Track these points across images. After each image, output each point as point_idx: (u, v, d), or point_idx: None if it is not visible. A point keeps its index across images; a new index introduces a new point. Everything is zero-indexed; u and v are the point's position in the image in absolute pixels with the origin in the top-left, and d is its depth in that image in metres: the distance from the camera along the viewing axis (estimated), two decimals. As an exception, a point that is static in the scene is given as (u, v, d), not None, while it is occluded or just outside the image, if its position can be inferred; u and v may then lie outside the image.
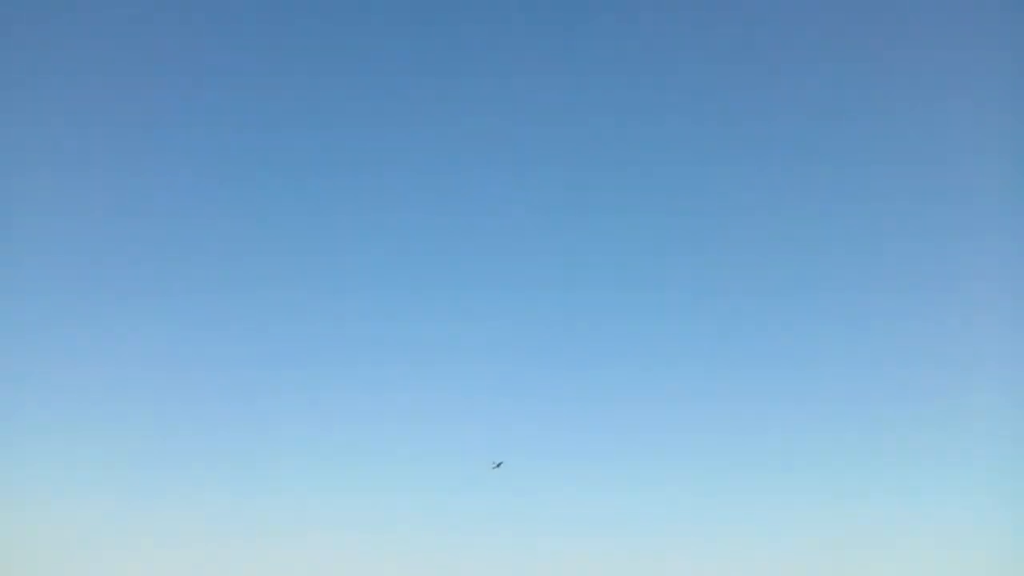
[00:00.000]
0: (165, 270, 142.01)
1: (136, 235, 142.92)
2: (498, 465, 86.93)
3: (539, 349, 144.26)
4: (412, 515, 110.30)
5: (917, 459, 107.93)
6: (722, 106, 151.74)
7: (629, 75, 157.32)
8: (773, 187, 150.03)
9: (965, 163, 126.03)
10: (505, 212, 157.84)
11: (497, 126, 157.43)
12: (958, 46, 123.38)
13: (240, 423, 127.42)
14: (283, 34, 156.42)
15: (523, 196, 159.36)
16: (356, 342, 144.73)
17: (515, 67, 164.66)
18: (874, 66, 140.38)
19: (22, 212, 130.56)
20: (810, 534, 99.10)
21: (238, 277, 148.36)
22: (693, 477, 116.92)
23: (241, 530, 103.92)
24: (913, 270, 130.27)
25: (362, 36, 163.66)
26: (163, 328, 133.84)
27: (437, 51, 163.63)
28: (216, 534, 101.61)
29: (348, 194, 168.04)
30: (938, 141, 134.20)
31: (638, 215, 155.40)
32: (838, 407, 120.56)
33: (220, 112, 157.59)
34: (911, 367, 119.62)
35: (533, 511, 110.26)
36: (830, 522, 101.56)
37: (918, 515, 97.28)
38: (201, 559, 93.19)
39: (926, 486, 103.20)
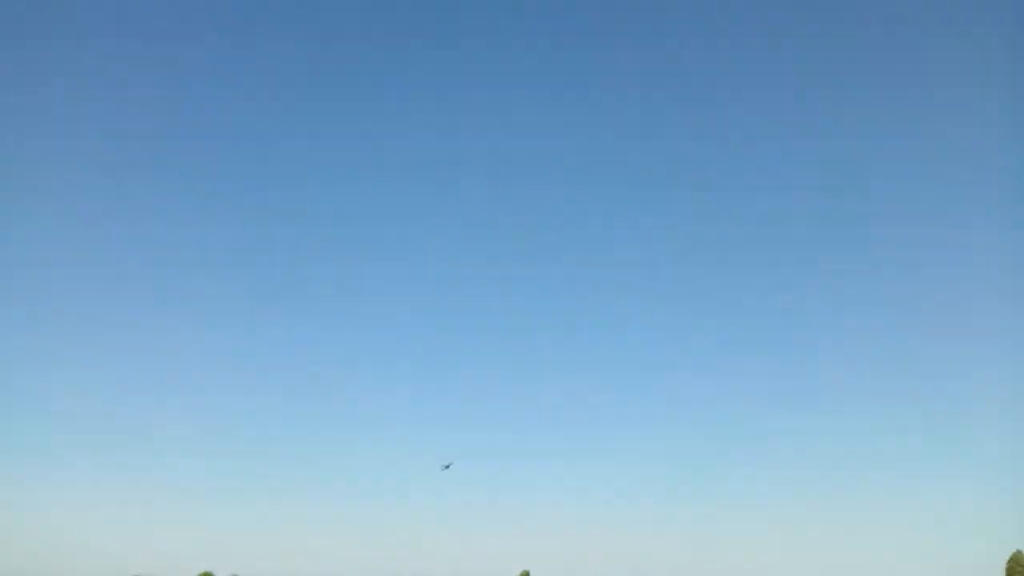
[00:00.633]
0: (165, 269, 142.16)
1: (136, 235, 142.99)
2: (447, 467, 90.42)
3: (539, 348, 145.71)
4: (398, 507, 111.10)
5: (914, 450, 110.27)
6: (722, 106, 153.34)
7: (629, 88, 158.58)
8: (773, 186, 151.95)
9: (966, 162, 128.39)
10: (504, 214, 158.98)
11: (497, 135, 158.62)
12: (958, 43, 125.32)
13: (233, 422, 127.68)
14: (291, 44, 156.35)
15: (520, 198, 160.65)
16: (347, 346, 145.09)
17: (513, 80, 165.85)
18: (875, 65, 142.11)
19: (22, 212, 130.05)
20: (809, 528, 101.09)
21: (236, 276, 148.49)
22: (692, 474, 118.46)
23: (238, 525, 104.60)
24: (913, 269, 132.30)
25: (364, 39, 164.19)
26: (163, 327, 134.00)
27: (441, 63, 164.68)
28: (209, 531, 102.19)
29: (346, 198, 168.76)
30: (939, 141, 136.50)
31: (639, 218, 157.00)
32: (837, 403, 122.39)
33: (222, 115, 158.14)
34: (911, 365, 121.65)
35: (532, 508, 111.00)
36: (828, 518, 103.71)
37: (914, 505, 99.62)
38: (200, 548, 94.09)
39: (924, 476, 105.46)
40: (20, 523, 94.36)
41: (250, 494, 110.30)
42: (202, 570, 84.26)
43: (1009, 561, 76.29)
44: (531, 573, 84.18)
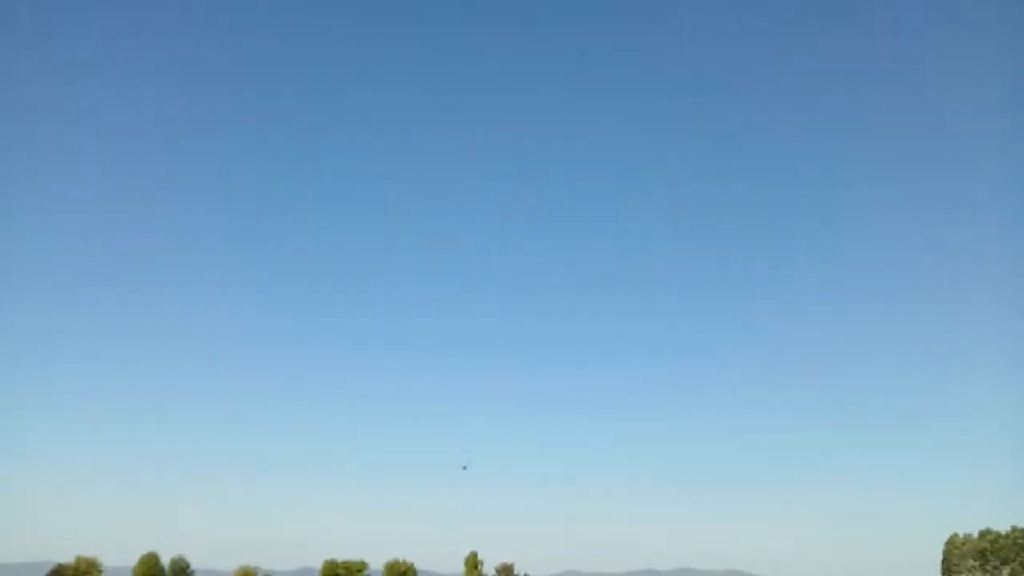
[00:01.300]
0: (167, 267, 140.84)
1: (136, 234, 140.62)
2: (465, 467, 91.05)
3: (539, 349, 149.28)
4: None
5: (911, 442, 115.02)
6: (722, 105, 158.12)
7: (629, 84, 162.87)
8: (772, 186, 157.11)
9: (966, 162, 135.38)
10: (505, 216, 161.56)
11: (501, 137, 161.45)
12: (958, 43, 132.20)
13: (235, 418, 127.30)
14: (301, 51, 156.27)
15: (521, 201, 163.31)
16: (350, 340, 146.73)
17: (520, 82, 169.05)
18: (874, 66, 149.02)
19: (22, 212, 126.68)
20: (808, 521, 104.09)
21: (239, 267, 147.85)
22: (692, 472, 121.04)
23: (239, 523, 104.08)
24: (913, 268, 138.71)
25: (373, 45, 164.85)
26: (165, 325, 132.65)
27: (447, 66, 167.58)
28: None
29: (348, 197, 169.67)
30: (939, 141, 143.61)
31: (640, 222, 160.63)
32: (836, 401, 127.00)
33: (223, 114, 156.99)
34: (910, 362, 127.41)
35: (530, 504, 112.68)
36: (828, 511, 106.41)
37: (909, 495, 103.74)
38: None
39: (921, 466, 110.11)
40: (20, 513, 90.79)
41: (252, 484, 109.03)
42: (204, 561, 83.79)
43: (946, 544, 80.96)
44: (479, 554, 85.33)
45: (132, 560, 78.85)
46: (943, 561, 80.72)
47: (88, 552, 76.80)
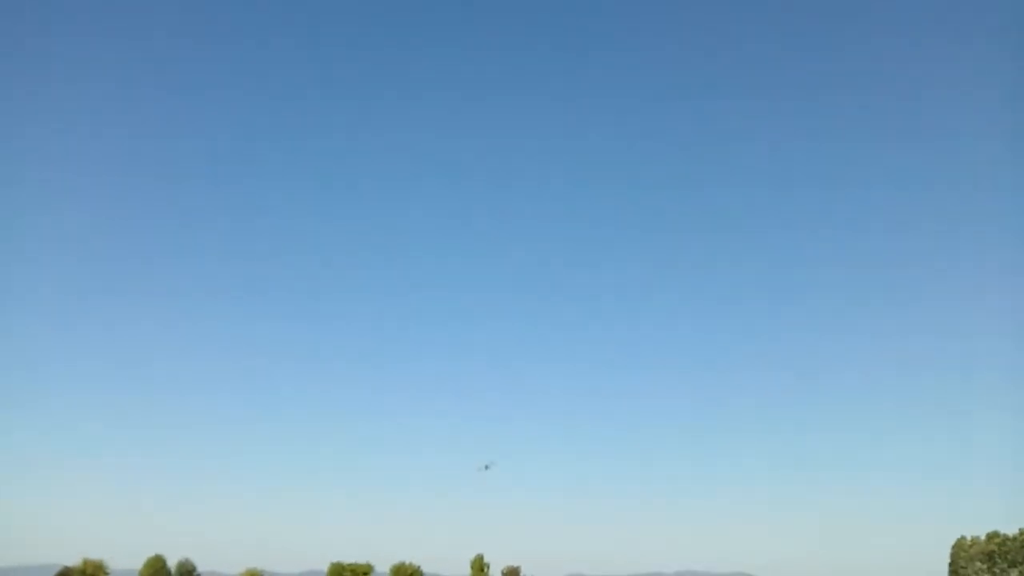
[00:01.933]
0: (167, 266, 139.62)
1: (136, 233, 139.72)
2: (487, 467, 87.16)
3: (541, 351, 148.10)
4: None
5: (914, 446, 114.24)
6: (722, 108, 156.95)
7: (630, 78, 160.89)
8: (772, 185, 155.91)
9: (967, 160, 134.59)
10: (509, 218, 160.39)
11: (504, 137, 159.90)
12: (958, 41, 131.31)
13: (241, 420, 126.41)
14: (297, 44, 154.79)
15: (526, 204, 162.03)
16: (357, 342, 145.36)
17: (521, 83, 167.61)
18: (874, 64, 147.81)
19: (23, 211, 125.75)
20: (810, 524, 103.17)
21: (237, 270, 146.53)
22: (693, 474, 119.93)
23: (245, 524, 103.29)
24: (912, 267, 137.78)
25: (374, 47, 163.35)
26: (173, 326, 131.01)
27: (453, 68, 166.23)
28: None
29: (352, 198, 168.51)
30: (940, 139, 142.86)
31: (643, 225, 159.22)
32: (838, 401, 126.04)
33: (225, 115, 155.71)
34: (910, 363, 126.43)
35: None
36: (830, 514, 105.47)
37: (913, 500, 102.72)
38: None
39: (923, 471, 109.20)
40: (24, 515, 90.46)
41: (241, 484, 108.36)
42: (210, 563, 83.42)
43: (953, 546, 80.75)
44: (484, 557, 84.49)
45: (138, 563, 78.79)
46: (950, 564, 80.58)
47: (94, 554, 76.76)
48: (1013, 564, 76.62)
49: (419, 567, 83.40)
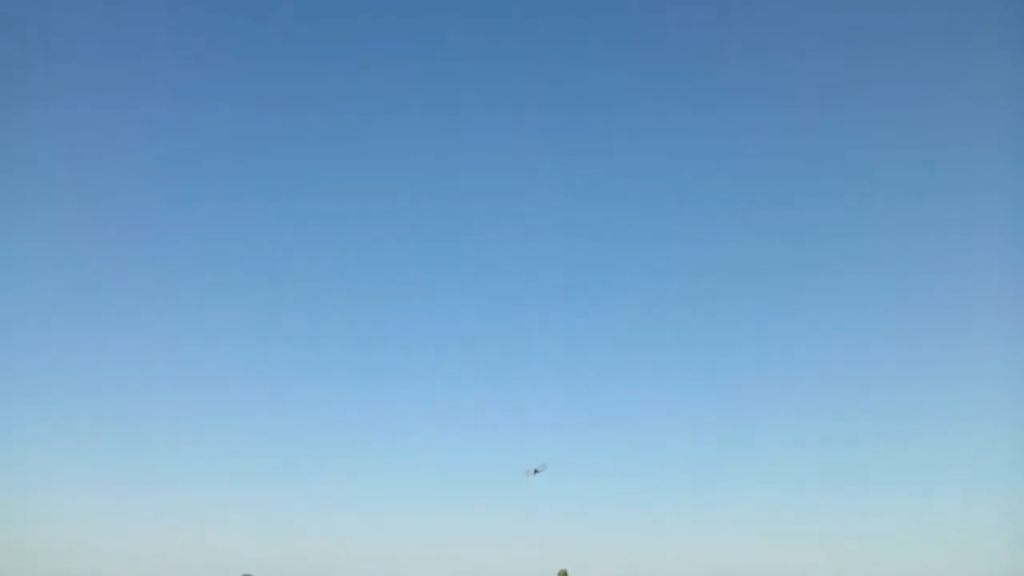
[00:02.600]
0: (169, 267, 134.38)
1: (135, 232, 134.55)
2: (536, 472, 76.05)
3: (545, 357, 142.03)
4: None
5: (918, 453, 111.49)
6: (723, 106, 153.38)
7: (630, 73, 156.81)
8: (772, 186, 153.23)
9: (966, 159, 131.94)
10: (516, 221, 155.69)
11: (498, 122, 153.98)
12: (958, 41, 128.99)
13: (257, 425, 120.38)
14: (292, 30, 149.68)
15: (538, 207, 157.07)
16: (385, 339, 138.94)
17: (515, 64, 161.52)
18: (874, 62, 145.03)
19: (22, 210, 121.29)
20: (812, 530, 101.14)
21: (246, 274, 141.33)
22: (695, 477, 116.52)
23: (261, 535, 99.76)
24: (912, 268, 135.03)
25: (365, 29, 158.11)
26: (168, 324, 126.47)
27: (442, 48, 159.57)
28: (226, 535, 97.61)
29: (361, 192, 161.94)
30: (939, 138, 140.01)
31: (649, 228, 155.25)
32: (839, 403, 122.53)
33: (224, 106, 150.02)
34: (912, 363, 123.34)
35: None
36: (832, 519, 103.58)
37: (918, 510, 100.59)
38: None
39: (927, 481, 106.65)
40: (19, 526, 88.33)
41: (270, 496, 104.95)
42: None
43: None
44: (568, 572, 78.59)
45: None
46: None
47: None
48: None
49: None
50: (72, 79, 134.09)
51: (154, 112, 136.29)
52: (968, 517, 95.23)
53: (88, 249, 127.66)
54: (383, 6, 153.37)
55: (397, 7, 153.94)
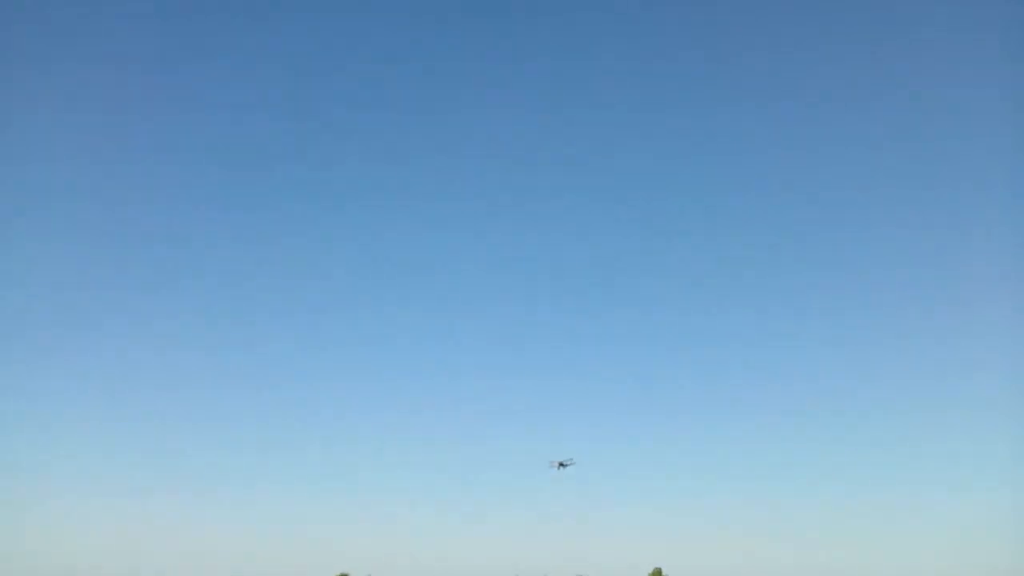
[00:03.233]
0: (169, 266, 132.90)
1: (137, 232, 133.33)
2: (562, 465, 73.32)
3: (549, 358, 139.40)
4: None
5: (919, 455, 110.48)
6: (723, 105, 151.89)
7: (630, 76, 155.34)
8: (772, 185, 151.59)
9: (967, 158, 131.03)
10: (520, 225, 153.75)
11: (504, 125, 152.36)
12: (958, 40, 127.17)
13: (274, 426, 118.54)
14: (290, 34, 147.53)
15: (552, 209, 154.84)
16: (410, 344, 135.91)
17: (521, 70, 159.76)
18: (875, 60, 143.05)
19: (22, 209, 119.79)
20: (817, 532, 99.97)
21: (241, 279, 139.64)
22: (699, 478, 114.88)
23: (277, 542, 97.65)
24: (912, 268, 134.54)
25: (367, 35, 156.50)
26: (168, 326, 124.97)
27: (448, 56, 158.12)
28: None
29: (372, 192, 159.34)
30: (938, 137, 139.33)
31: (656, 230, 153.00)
32: (841, 407, 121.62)
33: (223, 108, 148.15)
34: (912, 365, 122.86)
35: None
36: (837, 520, 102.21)
37: (918, 509, 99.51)
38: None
39: (927, 481, 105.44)
40: (21, 528, 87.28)
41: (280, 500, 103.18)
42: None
43: None
44: (663, 571, 78.85)
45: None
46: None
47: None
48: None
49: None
50: (73, 80, 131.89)
51: (155, 114, 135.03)
52: (967, 515, 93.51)
53: (88, 250, 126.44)
54: (384, 8, 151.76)
55: (398, 9, 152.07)
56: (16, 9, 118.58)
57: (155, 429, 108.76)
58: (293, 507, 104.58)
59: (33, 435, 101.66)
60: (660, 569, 74.21)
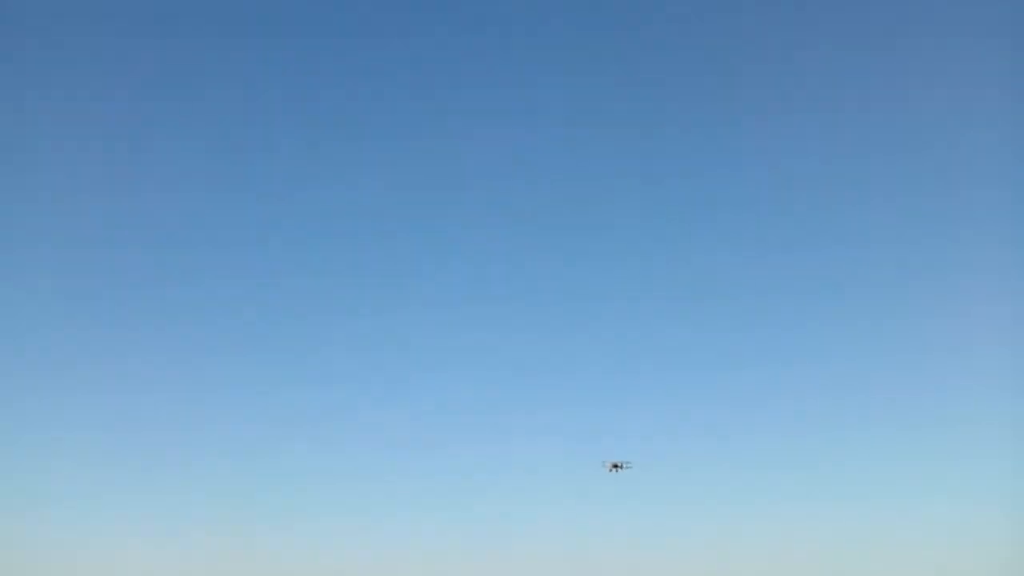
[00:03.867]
0: (169, 267, 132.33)
1: (136, 232, 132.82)
2: (617, 468, 67.39)
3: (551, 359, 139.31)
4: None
5: (918, 458, 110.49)
6: (722, 106, 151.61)
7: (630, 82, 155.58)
8: (773, 185, 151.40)
9: (967, 158, 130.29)
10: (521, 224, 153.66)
11: (502, 131, 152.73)
12: (959, 40, 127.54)
13: (288, 436, 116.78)
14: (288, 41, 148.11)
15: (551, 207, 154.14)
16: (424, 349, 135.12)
17: (520, 75, 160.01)
18: (874, 60, 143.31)
19: (22, 212, 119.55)
20: (814, 535, 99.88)
21: (247, 273, 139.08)
22: (699, 479, 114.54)
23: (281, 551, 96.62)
24: (913, 268, 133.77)
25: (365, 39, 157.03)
26: (168, 327, 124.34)
27: (445, 57, 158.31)
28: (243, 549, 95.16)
29: (373, 197, 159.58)
30: (938, 137, 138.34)
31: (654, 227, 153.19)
32: (842, 407, 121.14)
33: (222, 115, 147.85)
34: (913, 365, 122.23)
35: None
36: (835, 523, 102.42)
37: (918, 515, 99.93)
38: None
39: (925, 486, 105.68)
40: (19, 531, 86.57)
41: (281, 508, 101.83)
42: None
43: None
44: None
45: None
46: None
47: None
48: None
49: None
50: (74, 81, 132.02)
51: (155, 112, 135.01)
52: (967, 521, 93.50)
53: (89, 251, 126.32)
54: (386, 11, 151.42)
55: (400, 11, 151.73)
56: (16, 9, 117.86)
57: (155, 429, 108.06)
58: (302, 510, 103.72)
59: (33, 435, 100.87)
60: None
